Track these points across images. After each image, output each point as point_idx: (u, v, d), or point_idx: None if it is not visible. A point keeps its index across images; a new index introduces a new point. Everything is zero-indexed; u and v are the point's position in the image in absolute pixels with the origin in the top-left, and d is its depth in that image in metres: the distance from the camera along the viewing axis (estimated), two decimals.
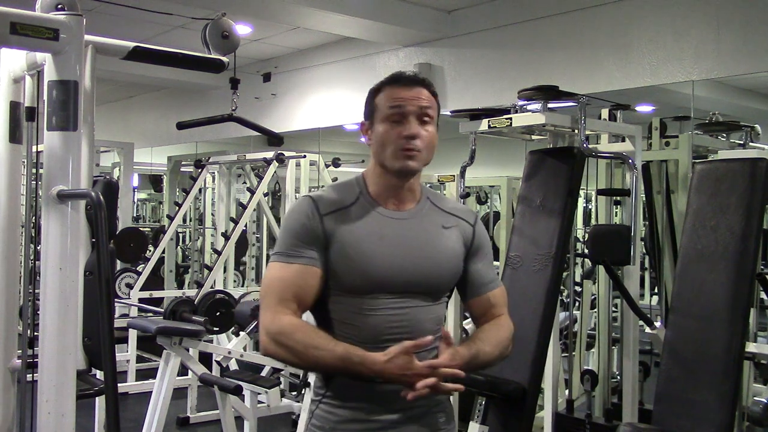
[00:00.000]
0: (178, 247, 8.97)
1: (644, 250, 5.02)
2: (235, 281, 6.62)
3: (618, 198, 3.98)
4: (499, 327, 1.73)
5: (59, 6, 2.04)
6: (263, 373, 4.75)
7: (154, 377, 4.39)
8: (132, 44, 2.66)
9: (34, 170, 2.16)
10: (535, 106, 3.20)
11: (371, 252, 1.61)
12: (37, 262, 1.96)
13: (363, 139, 1.71)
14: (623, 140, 3.53)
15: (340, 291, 1.62)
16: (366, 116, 1.71)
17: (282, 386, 4.94)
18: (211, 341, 5.34)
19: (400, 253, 1.63)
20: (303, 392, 4.27)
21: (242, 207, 5.95)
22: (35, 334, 1.88)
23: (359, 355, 1.52)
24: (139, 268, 6.57)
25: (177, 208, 6.38)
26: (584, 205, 6.31)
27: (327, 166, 6.10)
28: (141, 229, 7.89)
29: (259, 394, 4.33)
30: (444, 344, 1.58)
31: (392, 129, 1.63)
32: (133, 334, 5.85)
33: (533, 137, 3.57)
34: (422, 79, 1.68)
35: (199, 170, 6.42)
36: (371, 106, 1.69)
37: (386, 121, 1.64)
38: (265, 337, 1.59)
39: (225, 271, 6.18)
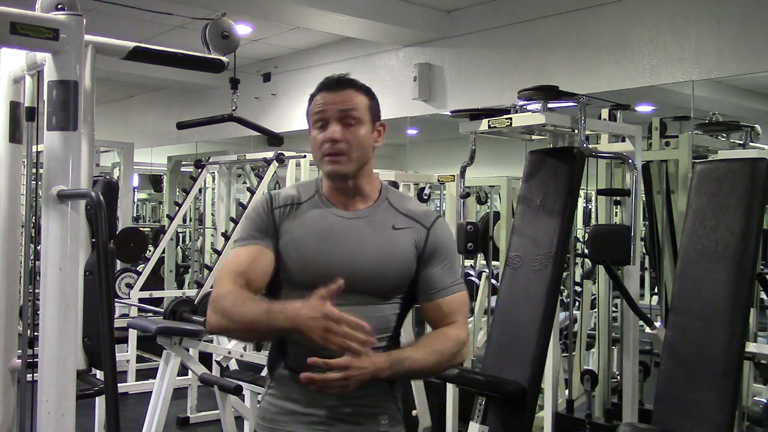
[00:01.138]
0: (178, 247, 8.96)
1: (644, 250, 5.02)
2: None
3: (618, 198, 3.97)
4: (443, 337, 1.67)
5: (59, 6, 2.05)
6: (263, 373, 4.75)
7: (154, 377, 4.38)
8: (132, 44, 2.66)
9: (34, 170, 2.16)
10: (535, 106, 3.20)
11: (313, 248, 1.65)
12: (37, 262, 1.96)
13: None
14: (623, 140, 3.53)
15: (287, 284, 1.67)
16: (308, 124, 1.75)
17: None
18: (211, 341, 5.33)
19: (343, 251, 1.64)
20: None
21: (242, 207, 5.94)
22: (35, 334, 1.88)
23: (280, 304, 1.56)
24: (139, 268, 6.56)
25: (177, 208, 6.37)
26: (584, 205, 6.30)
27: None
28: (141, 229, 7.87)
29: (259, 394, 4.32)
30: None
31: (318, 135, 1.67)
32: (133, 334, 5.83)
33: (533, 137, 3.57)
34: (350, 81, 1.70)
35: (199, 170, 6.42)
36: (307, 115, 1.72)
37: (314, 127, 1.69)
38: (208, 309, 1.62)
39: None
